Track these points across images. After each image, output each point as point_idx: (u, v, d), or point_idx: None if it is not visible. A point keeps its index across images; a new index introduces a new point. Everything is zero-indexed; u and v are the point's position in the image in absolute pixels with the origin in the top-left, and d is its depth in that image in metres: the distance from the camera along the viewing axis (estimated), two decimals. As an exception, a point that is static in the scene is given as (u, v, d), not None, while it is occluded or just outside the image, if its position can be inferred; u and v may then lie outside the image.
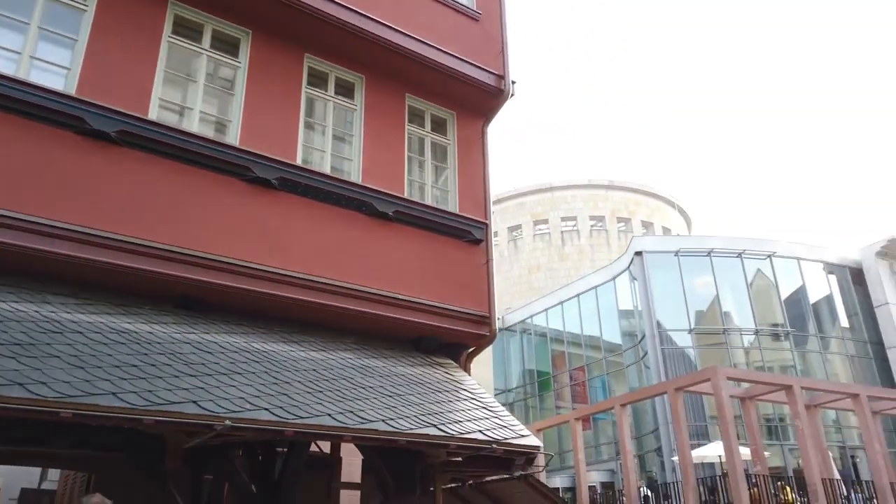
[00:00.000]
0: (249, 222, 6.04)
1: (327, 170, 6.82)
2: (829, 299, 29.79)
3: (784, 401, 15.16)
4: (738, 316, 28.83)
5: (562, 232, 47.22)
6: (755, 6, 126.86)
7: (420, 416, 5.80)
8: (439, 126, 7.99)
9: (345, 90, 7.34)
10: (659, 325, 28.08)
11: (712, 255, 28.67)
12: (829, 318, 29.73)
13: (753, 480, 14.02)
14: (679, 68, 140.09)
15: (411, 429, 5.55)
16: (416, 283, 6.96)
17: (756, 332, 28.38)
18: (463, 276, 7.38)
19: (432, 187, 7.69)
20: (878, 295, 29.49)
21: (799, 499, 14.33)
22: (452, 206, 7.62)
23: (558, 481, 29.41)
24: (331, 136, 7.05)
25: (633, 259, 29.53)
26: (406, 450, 5.91)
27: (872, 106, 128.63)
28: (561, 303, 34.52)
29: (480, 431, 6.05)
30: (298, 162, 6.54)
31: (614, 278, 31.43)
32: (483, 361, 16.20)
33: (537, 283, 45.24)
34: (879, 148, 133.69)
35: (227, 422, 4.50)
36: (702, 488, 14.81)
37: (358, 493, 7.47)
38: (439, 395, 6.50)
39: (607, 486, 27.91)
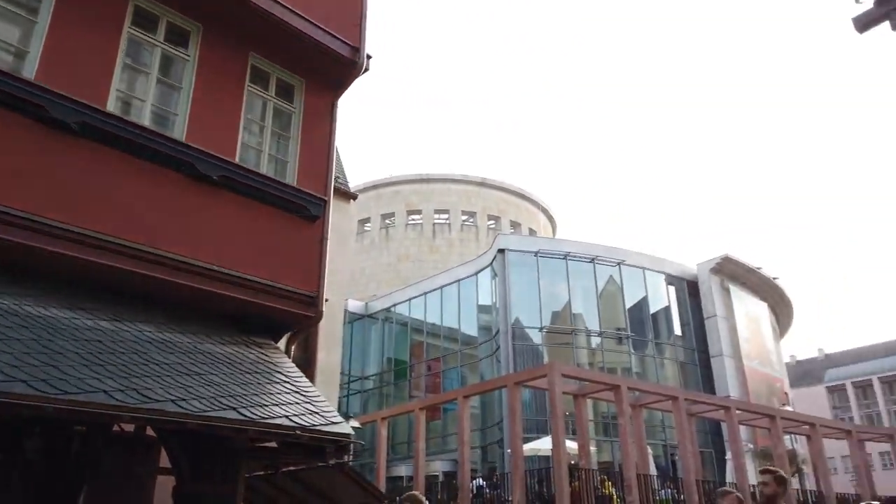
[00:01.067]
0: (37, 169, 5.27)
1: (146, 121, 6.16)
2: (666, 309, 32.27)
3: (613, 399, 16.10)
4: (587, 318, 30.50)
5: (434, 224, 47.60)
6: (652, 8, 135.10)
7: (219, 398, 5.37)
8: (285, 92, 7.51)
9: (178, 38, 6.67)
10: (516, 321, 29.06)
11: (568, 258, 30.06)
12: (665, 326, 32.22)
13: (578, 474, 14.77)
14: (583, 68, 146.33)
15: (205, 411, 5.11)
16: (239, 255, 6.47)
17: (601, 335, 30.17)
18: (294, 253, 6.99)
19: (270, 156, 7.21)
20: (708, 307, 32.36)
21: (616, 492, 15.31)
22: (290, 178, 7.18)
23: (403, 470, 29.65)
24: (154, 85, 6.37)
25: (496, 256, 30.30)
26: (207, 434, 5.48)
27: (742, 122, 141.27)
28: (424, 294, 34.77)
29: (287, 417, 5.71)
30: (109, 108, 5.83)
31: (477, 273, 32.11)
32: (333, 347, 15.80)
33: (405, 273, 45.32)
34: (739, 170, 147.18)
35: (-36, 394, 3.86)
36: (531, 480, 15.41)
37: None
38: (248, 376, 6.08)
39: (450, 475, 28.48)
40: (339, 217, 14.81)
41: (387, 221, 48.19)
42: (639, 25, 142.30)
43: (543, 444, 19.37)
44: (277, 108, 7.39)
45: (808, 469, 27.96)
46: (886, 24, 2.34)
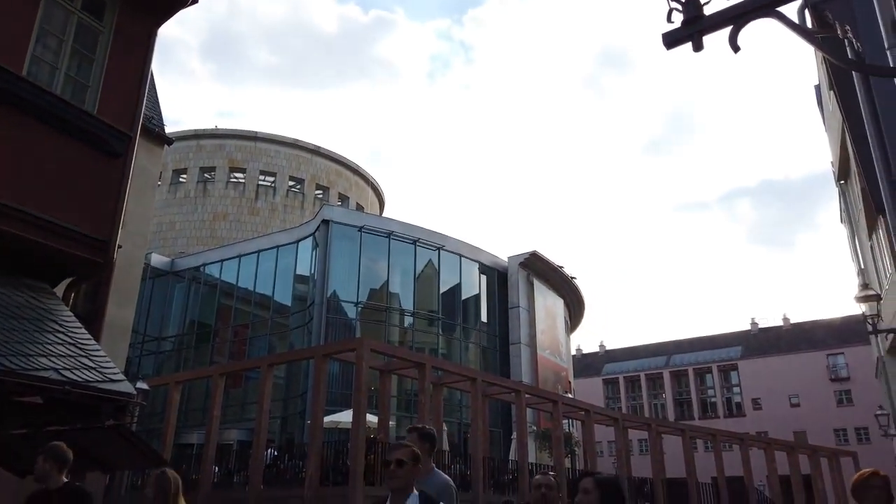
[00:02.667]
0: None
1: None
2: (476, 296, 33.98)
3: (416, 377, 16.62)
4: (403, 298, 31.13)
5: (258, 185, 45.50)
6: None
7: (-31, 343, 4.65)
8: (95, 7, 6.61)
9: (-40, -86, 5.58)
10: (332, 294, 28.78)
11: (391, 237, 30.40)
12: (473, 312, 33.91)
13: (375, 447, 15.04)
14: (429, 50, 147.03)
15: (-53, 356, 4.40)
16: (14, 184, 5.61)
17: (414, 315, 30.98)
18: (87, 191, 6.22)
19: (68, 76, 6.32)
20: (514, 298, 34.60)
21: (409, 465, 15.84)
22: (91, 105, 6.37)
23: (195, 438, 28.16)
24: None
25: (319, 226, 29.74)
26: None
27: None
28: (239, 256, 33.15)
29: (56, 370, 5.10)
30: None
31: (298, 241, 31.29)
32: (127, 301, 14.48)
33: (221, 232, 42.88)
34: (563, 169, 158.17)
35: None
36: (328, 452, 15.41)
37: None
38: (13, 322, 5.33)
39: (246, 445, 27.59)
40: (148, 160, 13.56)
41: (206, 176, 45.11)
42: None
43: (344, 417, 19.47)
44: (83, 24, 6.50)
45: (579, 451, 31.22)
46: (689, 45, 2.58)
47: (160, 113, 16.50)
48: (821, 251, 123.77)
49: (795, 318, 58.82)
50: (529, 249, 34.86)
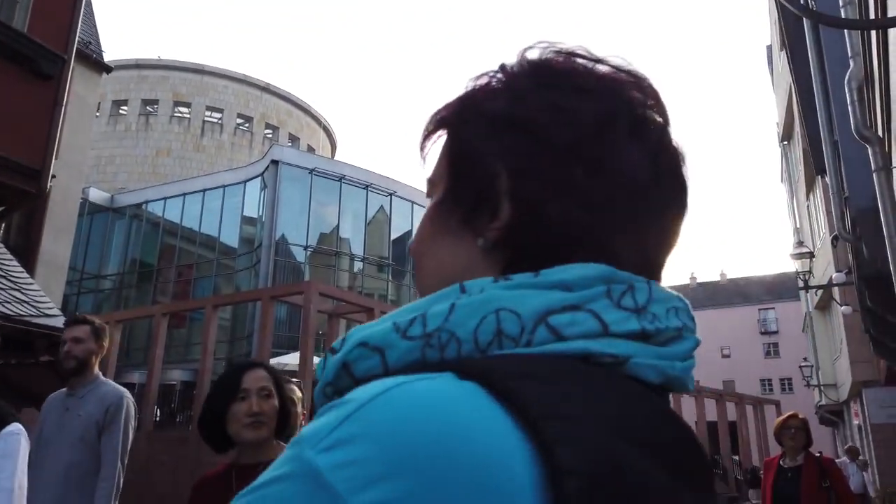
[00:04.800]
0: None
1: None
2: (427, 243, 34.07)
3: (366, 321, 16.66)
4: (353, 243, 30.92)
5: (204, 121, 43.82)
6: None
7: None
8: (22, -86, 6.07)
9: None
10: (281, 237, 28.33)
11: (343, 181, 29.93)
12: (424, 259, 34.06)
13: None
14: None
15: None
16: (-66, 103, 5.21)
17: (364, 260, 30.88)
18: (16, 115, 5.83)
19: (-7, -11, 5.83)
20: (464, 247, 34.86)
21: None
22: (20, 22, 5.91)
23: (137, 377, 27.77)
24: None
25: (268, 167, 28.99)
26: None
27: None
28: (184, 194, 32.13)
29: (-16, 303, 4.87)
30: None
31: (245, 182, 30.50)
32: (63, 236, 13.93)
33: (164, 169, 41.37)
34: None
35: None
36: (273, 392, 15.44)
37: None
38: (-65, 251, 5.04)
39: (190, 385, 27.40)
40: (84, 88, 12.79)
41: (148, 108, 43.12)
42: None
43: (291, 360, 19.46)
44: (9, -69, 5.97)
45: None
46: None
47: (98, 38, 15.53)
48: (762, 210, 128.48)
49: (732, 274, 61.45)
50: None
